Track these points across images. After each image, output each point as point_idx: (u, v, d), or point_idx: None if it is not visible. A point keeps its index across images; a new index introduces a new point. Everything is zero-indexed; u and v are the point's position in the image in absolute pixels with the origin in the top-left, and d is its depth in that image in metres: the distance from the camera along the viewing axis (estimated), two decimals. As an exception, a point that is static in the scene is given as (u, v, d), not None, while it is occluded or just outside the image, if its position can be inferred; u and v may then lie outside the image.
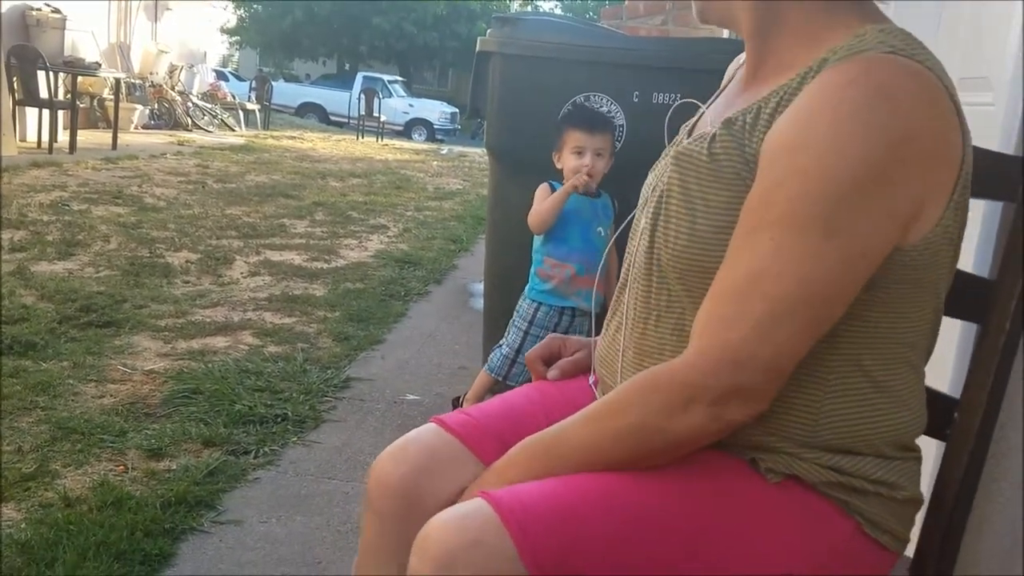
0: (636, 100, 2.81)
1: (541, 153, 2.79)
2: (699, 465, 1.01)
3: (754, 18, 1.04)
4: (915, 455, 1.04)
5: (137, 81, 12.70)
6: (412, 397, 3.12)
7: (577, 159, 2.62)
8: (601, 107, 2.83)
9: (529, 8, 35.11)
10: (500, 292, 3.08)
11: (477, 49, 2.96)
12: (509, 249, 3.05)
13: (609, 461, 0.99)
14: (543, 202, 2.64)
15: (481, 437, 1.15)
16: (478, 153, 16.46)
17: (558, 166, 2.72)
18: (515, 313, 2.82)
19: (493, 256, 3.17)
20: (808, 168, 0.89)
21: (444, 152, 15.70)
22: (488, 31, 2.96)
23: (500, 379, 2.79)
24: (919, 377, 1.02)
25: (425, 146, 18.07)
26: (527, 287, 2.79)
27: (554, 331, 2.74)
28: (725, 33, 4.58)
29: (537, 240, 2.73)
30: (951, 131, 0.91)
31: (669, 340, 1.03)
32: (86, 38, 10.37)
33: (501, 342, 2.86)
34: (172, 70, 13.99)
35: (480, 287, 4.88)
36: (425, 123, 23.46)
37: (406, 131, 22.68)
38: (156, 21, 13.93)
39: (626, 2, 5.03)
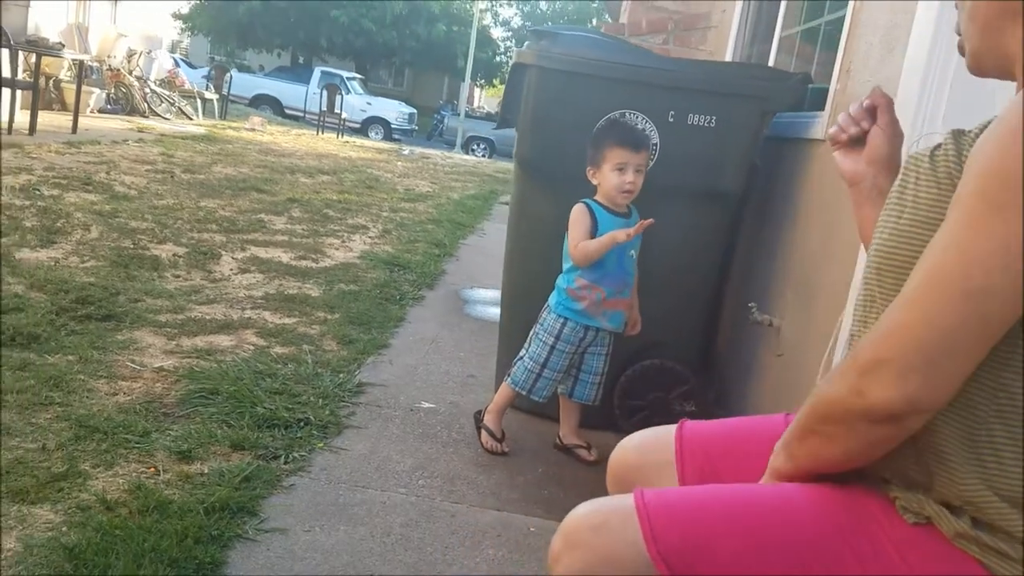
0: (672, 120, 2.83)
1: (573, 167, 2.80)
2: (841, 497, 1.03)
3: None
4: None
5: (94, 64, 12.35)
6: (427, 405, 3.09)
7: (619, 176, 2.63)
8: (636, 125, 2.84)
9: (489, 15, 35.09)
10: (521, 304, 3.07)
11: (513, 61, 2.96)
12: (533, 261, 3.04)
13: (804, 435, 1.04)
14: (591, 243, 2.62)
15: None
16: (439, 155, 16.42)
17: (594, 181, 2.71)
18: (538, 325, 2.81)
19: (514, 268, 3.16)
20: (990, 151, 0.90)
21: (406, 153, 15.59)
22: (525, 43, 2.96)
23: (524, 392, 2.79)
24: None
25: (385, 145, 17.90)
26: (553, 300, 2.79)
27: (578, 346, 2.76)
28: (727, 57, 4.66)
29: (569, 258, 2.73)
30: None
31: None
32: (48, 18, 10.07)
33: (521, 353, 2.86)
34: (130, 54, 13.65)
35: (473, 294, 4.88)
36: (382, 122, 23.31)
37: (363, 129, 22.50)
38: (115, 3, 13.58)
39: (626, 19, 5.07)
